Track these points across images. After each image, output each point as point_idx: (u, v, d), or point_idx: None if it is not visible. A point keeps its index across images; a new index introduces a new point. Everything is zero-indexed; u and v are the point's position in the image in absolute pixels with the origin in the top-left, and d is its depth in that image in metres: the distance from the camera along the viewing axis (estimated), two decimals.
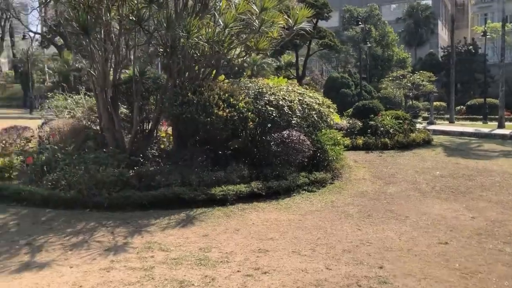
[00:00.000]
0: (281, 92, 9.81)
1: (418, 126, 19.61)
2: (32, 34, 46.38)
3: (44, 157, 8.93)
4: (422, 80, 27.14)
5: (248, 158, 9.45)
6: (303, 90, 10.66)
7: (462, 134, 20.06)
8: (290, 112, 9.35)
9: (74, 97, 12.80)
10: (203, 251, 5.77)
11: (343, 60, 38.93)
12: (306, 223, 7.04)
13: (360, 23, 25.94)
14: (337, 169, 10.13)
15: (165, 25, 8.12)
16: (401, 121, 15.71)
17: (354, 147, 14.46)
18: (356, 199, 8.58)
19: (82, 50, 10.36)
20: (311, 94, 10.58)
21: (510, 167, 11.61)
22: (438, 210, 7.88)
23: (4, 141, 11.28)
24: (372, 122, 15.24)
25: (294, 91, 10.25)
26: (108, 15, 9.45)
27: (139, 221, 7.12)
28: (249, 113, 8.82)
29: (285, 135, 8.89)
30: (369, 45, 35.04)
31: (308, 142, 9.12)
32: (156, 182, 8.16)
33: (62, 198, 7.93)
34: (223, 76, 14.76)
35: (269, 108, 9.12)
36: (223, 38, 8.79)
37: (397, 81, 28.09)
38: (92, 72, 9.56)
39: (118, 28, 9.64)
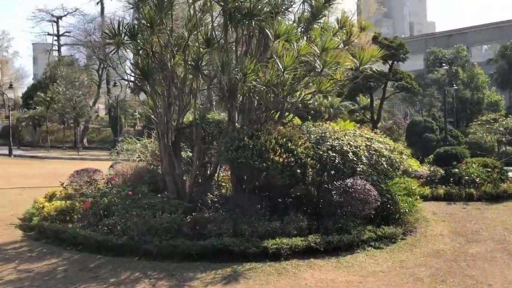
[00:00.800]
0: (346, 137, 9.13)
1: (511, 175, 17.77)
2: (123, 81, 49.75)
3: (102, 201, 8.91)
4: None
5: (309, 207, 8.78)
6: (372, 135, 9.88)
7: None
8: (355, 159, 8.61)
9: (143, 141, 13.01)
10: None
11: (428, 103, 37.06)
12: (366, 287, 6.18)
13: (444, 64, 24.55)
14: (411, 223, 9.09)
15: (220, 68, 7.91)
16: (489, 169, 14.15)
17: (434, 198, 13.16)
18: (430, 259, 7.51)
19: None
20: (381, 139, 9.76)
21: None
22: None
23: (74, 184, 11.61)
24: (455, 170, 13.87)
25: (362, 136, 9.51)
26: (173, 60, 9.51)
27: (184, 274, 6.69)
28: (309, 159, 8.23)
29: (349, 183, 8.14)
30: (455, 87, 33.09)
31: (375, 192, 8.28)
32: (207, 231, 7.75)
33: (114, 244, 7.78)
34: (298, 120, 14.35)
35: (331, 154, 8.47)
36: (281, 81, 8.38)
37: (487, 126, 25.98)
38: (153, 117, 9.59)
39: (181, 73, 9.67)
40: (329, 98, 31.92)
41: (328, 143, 8.75)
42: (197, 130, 9.48)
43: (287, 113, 10.16)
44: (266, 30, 8.29)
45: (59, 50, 63.96)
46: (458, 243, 8.54)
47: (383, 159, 9.04)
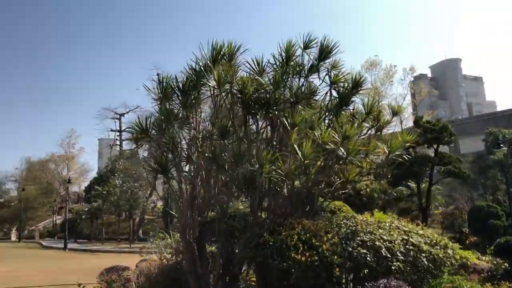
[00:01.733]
0: (380, 230, 8.24)
1: None
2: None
3: None
4: None
5: None
6: (411, 227, 8.90)
7: None
8: (389, 256, 7.66)
9: (176, 236, 12.60)
10: None
11: (490, 186, 34.65)
12: None
13: (502, 145, 23.09)
14: None
15: (233, 160, 7.55)
16: None
17: None
18: None
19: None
20: (421, 232, 8.74)
21: None
22: None
23: (105, 282, 11.22)
24: None
25: (398, 229, 8.57)
26: (196, 153, 9.32)
27: None
28: (335, 257, 7.39)
29: (381, 285, 7.15)
30: None
31: None
32: None
33: None
34: (348, 208, 13.51)
35: (362, 251, 7.58)
36: (302, 171, 7.86)
37: None
38: (173, 212, 9.22)
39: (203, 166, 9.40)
40: (382, 183, 30.73)
41: (358, 238, 7.90)
42: (220, 225, 8.97)
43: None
44: (284, 120, 7.95)
45: (121, 145, 67.57)
46: None
47: (423, 255, 7.99)
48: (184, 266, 9.36)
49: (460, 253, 13.82)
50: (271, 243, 7.47)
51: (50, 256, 31.11)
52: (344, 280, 7.70)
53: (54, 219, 58.58)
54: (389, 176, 19.31)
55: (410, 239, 8.19)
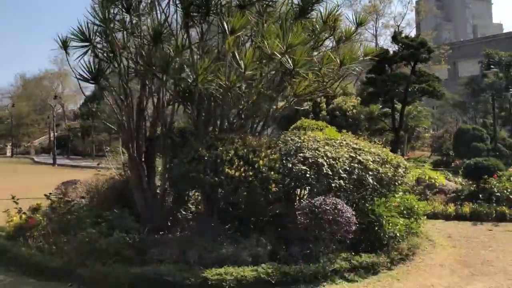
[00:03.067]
0: (326, 147, 7.81)
1: None
2: None
3: (56, 218, 8.20)
4: None
5: (284, 230, 7.57)
6: (363, 144, 8.46)
7: None
8: (330, 173, 7.28)
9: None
10: None
11: (482, 110, 34.16)
12: None
13: (492, 67, 22.17)
14: (403, 250, 7.58)
15: (160, 68, 6.94)
16: None
17: (459, 217, 11.44)
18: None
19: None
20: (373, 150, 8.32)
21: None
22: None
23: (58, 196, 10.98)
24: (485, 185, 12.02)
25: (348, 146, 8.15)
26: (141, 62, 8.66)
27: None
28: (272, 173, 7.03)
29: (317, 203, 6.85)
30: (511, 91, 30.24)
31: (350, 213, 6.91)
32: (148, 256, 6.76)
33: (51, 267, 6.98)
34: (331, 130, 12.93)
35: (301, 168, 7.20)
36: (242, 83, 7.28)
37: None
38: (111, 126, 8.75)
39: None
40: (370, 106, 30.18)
41: (301, 154, 7.49)
42: (164, 140, 8.56)
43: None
44: (225, 24, 7.21)
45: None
46: (458, 276, 6.98)
47: (370, 173, 7.62)
48: (130, 183, 9.06)
49: (429, 174, 13.65)
50: (206, 158, 7.08)
51: (37, 171, 31.39)
52: (283, 196, 7.42)
53: (50, 135, 58.79)
54: (365, 94, 18.72)
55: (358, 157, 7.78)
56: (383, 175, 7.81)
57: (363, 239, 7.48)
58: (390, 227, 7.38)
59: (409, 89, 12.79)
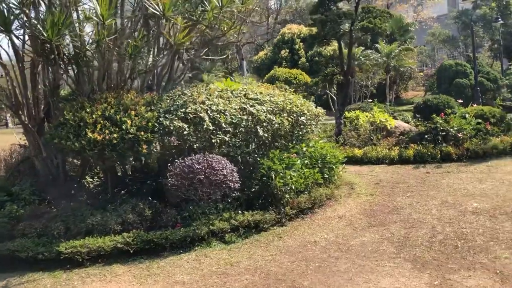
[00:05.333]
0: (215, 100, 7.14)
1: None
2: None
3: None
4: None
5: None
6: (264, 92, 7.75)
7: None
8: (211, 128, 6.65)
9: None
10: None
11: (472, 44, 32.52)
12: None
13: None
14: (305, 203, 7.03)
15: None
16: (481, 121, 11.34)
17: (403, 160, 10.79)
18: (283, 256, 5.59)
19: None
20: (273, 99, 7.59)
21: None
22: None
23: None
24: (433, 125, 11.25)
25: (245, 97, 7.45)
26: None
27: None
28: (142, 133, 6.44)
29: (187, 162, 6.27)
30: (500, 21, 28.59)
31: (228, 171, 6.34)
32: (16, 231, 6.34)
33: None
34: (306, 76, 11.86)
35: (177, 125, 6.57)
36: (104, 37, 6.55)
37: None
38: None
39: None
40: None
41: (182, 110, 6.84)
42: (53, 106, 7.98)
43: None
44: None
45: None
46: (353, 229, 6.44)
47: (264, 124, 6.97)
48: (30, 150, 8.58)
49: (378, 117, 12.91)
50: (70, 122, 6.51)
51: None
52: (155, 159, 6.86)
53: None
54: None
55: (249, 108, 7.10)
56: (278, 125, 7.16)
57: (259, 196, 6.97)
58: (280, 181, 6.77)
59: (352, 28, 11.83)
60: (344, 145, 12.55)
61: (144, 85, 7.87)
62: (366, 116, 12.82)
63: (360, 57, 27.77)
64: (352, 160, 11.51)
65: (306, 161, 7.79)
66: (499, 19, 28.45)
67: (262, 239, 6.19)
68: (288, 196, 6.90)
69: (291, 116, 7.43)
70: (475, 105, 14.14)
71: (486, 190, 7.77)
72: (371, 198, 7.87)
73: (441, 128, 10.99)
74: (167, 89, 8.56)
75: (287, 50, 29.36)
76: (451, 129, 10.89)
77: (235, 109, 7.03)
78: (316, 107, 8.50)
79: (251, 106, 7.15)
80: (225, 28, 7.91)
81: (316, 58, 28.69)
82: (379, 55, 27.39)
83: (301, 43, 29.48)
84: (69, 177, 8.51)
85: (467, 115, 11.83)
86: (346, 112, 13.91)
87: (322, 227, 6.55)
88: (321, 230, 6.43)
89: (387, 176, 9.63)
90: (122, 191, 7.42)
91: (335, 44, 29.82)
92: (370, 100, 19.79)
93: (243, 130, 6.87)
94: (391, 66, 27.65)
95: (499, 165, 9.76)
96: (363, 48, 29.47)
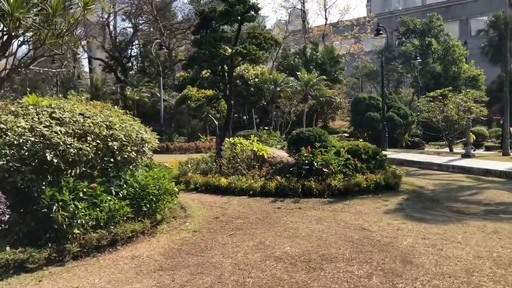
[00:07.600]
0: (7, 117, 6.24)
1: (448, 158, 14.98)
2: None
3: None
4: (466, 102, 21.31)
5: None
6: (68, 110, 6.89)
7: (489, 172, 14.37)
8: None
9: None
10: None
11: (394, 79, 33.43)
12: None
13: (381, 32, 20.97)
14: (94, 242, 6.18)
15: None
16: (350, 156, 11.02)
17: (265, 193, 10.23)
18: None
19: None
20: (81, 121, 6.72)
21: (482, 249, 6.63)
22: None
23: None
24: (300, 158, 10.82)
25: (48, 113, 6.59)
26: None
27: None
28: None
29: None
30: (419, 60, 29.47)
31: None
32: None
33: None
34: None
35: None
36: None
37: (436, 102, 22.48)
38: None
39: None
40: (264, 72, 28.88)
41: None
42: None
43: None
44: None
45: None
46: (136, 273, 5.62)
47: (53, 149, 6.12)
48: None
49: (258, 147, 12.39)
50: None
51: None
52: None
53: None
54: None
55: (41, 129, 6.22)
56: (78, 151, 6.33)
57: (46, 230, 6.08)
58: (64, 214, 5.91)
59: (232, 52, 11.31)
60: (220, 172, 11.96)
61: None
62: (245, 145, 12.32)
63: (281, 83, 27.75)
64: (218, 189, 10.91)
65: (124, 192, 7.02)
66: (418, 58, 29.30)
67: (16, 282, 5.28)
68: (77, 231, 6.05)
69: (97, 141, 6.61)
70: (360, 140, 13.98)
71: (315, 232, 7.25)
72: (191, 236, 7.14)
73: (306, 161, 10.58)
74: None
75: (209, 71, 28.87)
76: (316, 163, 10.49)
77: (24, 128, 6.16)
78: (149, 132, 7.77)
79: (45, 127, 6.29)
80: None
81: (238, 81, 28.36)
82: (299, 83, 27.43)
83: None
84: None
85: (341, 150, 11.54)
86: (231, 138, 13.38)
87: (101, 269, 5.72)
88: (97, 273, 5.60)
89: (235, 210, 8.99)
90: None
91: (259, 68, 29.74)
92: (267, 128, 19.47)
93: (25, 153, 5.98)
94: (311, 94, 27.73)
95: (355, 204, 9.39)
96: (285, 75, 29.54)
